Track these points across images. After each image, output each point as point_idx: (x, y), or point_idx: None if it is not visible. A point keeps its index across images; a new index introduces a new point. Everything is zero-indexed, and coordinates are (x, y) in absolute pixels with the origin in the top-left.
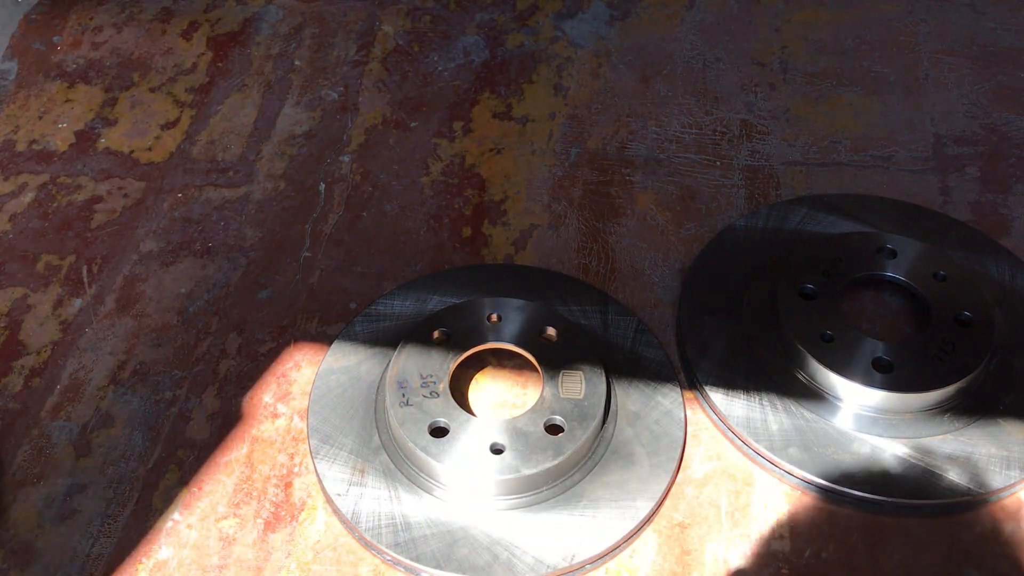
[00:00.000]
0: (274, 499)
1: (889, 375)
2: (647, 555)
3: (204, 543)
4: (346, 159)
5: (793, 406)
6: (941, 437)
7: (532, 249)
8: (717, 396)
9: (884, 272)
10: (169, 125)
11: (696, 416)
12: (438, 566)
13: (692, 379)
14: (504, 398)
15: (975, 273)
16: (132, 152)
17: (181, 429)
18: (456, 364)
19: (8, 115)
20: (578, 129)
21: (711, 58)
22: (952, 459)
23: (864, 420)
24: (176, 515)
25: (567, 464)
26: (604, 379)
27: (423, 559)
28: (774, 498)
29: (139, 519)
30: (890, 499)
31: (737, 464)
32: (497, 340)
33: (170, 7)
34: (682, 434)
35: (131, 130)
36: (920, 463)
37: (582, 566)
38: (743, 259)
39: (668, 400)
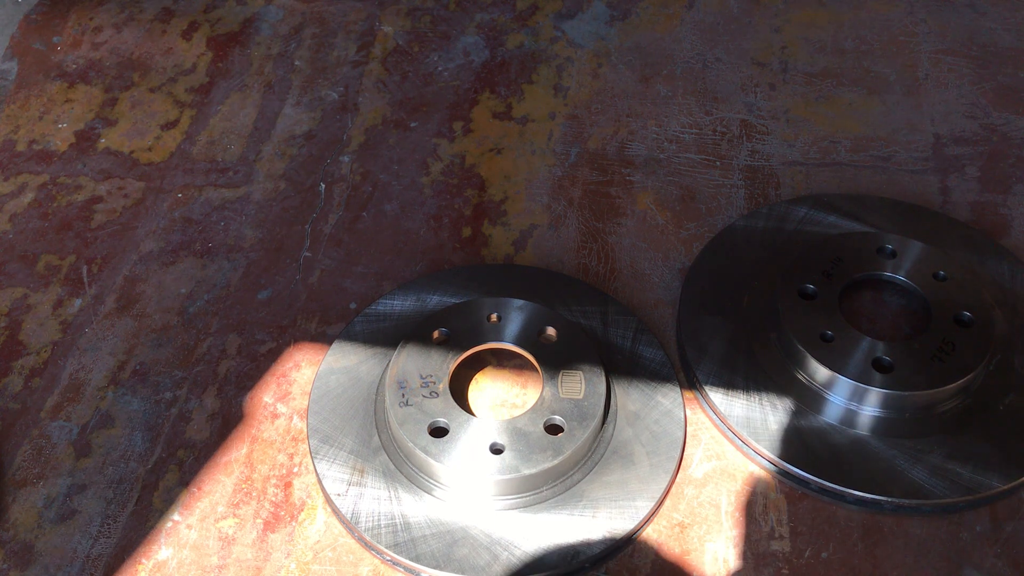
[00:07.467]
0: (274, 499)
1: (889, 375)
2: (647, 555)
3: (204, 543)
4: (346, 159)
5: (793, 406)
6: (941, 437)
7: (532, 249)
8: (717, 396)
9: (884, 272)
10: (169, 125)
11: (696, 416)
12: (438, 566)
13: (692, 379)
14: (504, 398)
15: (975, 273)
16: (132, 152)
17: (181, 429)
18: (456, 364)
19: (8, 115)
20: (578, 129)
21: (711, 58)
22: (952, 459)
23: (864, 420)
24: (176, 515)
25: (567, 464)
26: (604, 379)
27: (423, 559)
28: (774, 498)
29: (139, 519)
30: (890, 499)
31: (737, 464)
32: (497, 340)
33: (170, 7)
34: (682, 434)
35: (131, 130)
36: (920, 463)
37: (582, 566)
38: (743, 259)
39: (668, 400)
